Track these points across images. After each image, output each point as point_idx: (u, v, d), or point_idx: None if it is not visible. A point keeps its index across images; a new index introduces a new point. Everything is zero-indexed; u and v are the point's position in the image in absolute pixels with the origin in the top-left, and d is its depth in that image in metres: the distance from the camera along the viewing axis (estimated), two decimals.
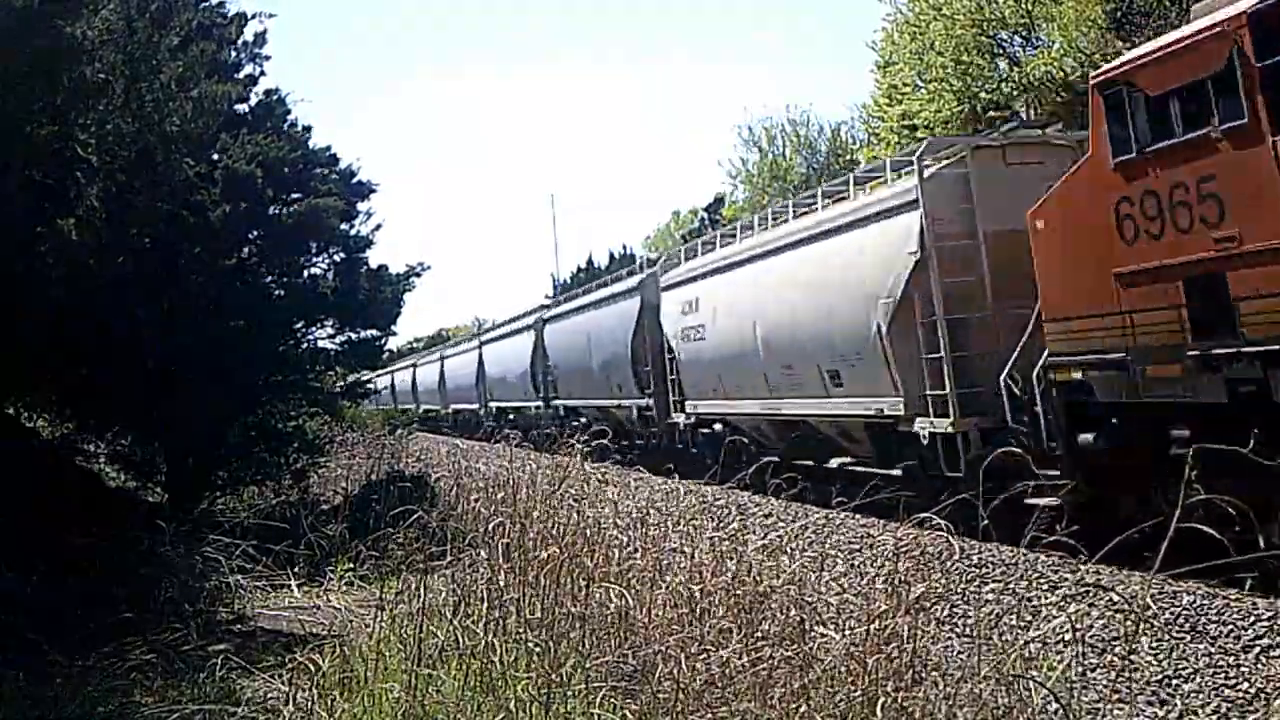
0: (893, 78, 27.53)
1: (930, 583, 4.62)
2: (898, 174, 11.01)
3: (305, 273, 12.81)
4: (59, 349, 8.80)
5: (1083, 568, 6.88)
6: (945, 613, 6.27)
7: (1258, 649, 5.73)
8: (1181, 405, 7.02)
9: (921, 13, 26.22)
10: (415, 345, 56.19)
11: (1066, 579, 7.15)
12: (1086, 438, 7.94)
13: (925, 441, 9.89)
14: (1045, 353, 8.32)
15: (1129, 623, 5.01)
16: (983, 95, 24.53)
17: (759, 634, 4.39)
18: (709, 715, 3.80)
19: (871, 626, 4.17)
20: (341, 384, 14.08)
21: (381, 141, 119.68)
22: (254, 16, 11.95)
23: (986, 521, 4.69)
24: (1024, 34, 25.35)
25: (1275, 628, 5.88)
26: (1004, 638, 4.60)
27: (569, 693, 4.01)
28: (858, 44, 55.28)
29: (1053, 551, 5.19)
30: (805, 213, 13.09)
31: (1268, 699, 5.24)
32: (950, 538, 4.80)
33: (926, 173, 9.87)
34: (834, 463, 12.69)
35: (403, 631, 4.94)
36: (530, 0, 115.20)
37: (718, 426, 15.30)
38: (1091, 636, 5.84)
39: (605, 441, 8.35)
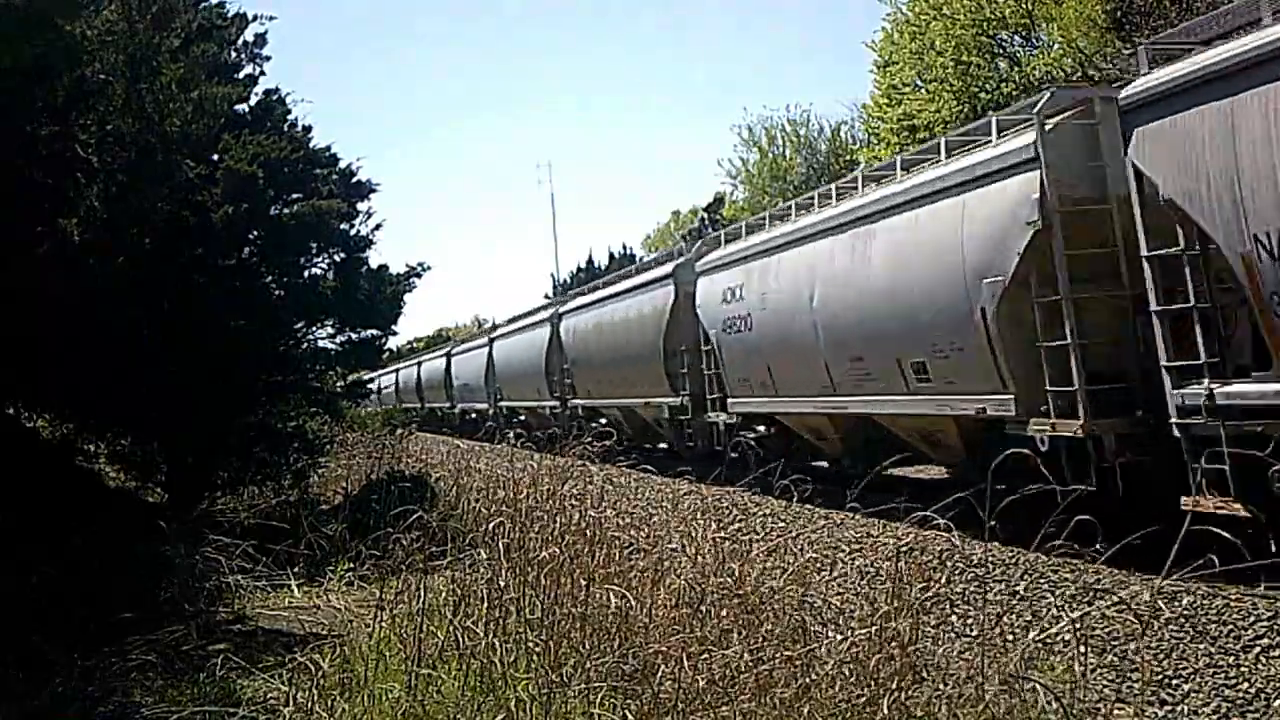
0: (893, 78, 27.56)
1: (932, 583, 4.62)
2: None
3: (305, 273, 12.78)
4: (59, 349, 8.80)
5: (1083, 568, 6.89)
6: (946, 612, 6.27)
7: (1258, 649, 5.73)
8: None
9: (921, 13, 26.25)
10: (415, 345, 56.30)
11: (1067, 579, 7.16)
12: None
13: (1044, 448, 7.99)
14: None
15: (1135, 624, 5.02)
16: (983, 95, 24.56)
17: (760, 634, 4.38)
18: (710, 716, 3.80)
19: (873, 628, 4.17)
20: (341, 384, 14.06)
21: (381, 140, 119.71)
22: (255, 18, 11.96)
23: (994, 523, 4.69)
24: (1024, 34, 25.38)
25: (1275, 628, 5.88)
26: (1005, 638, 4.60)
27: (569, 693, 4.00)
28: (857, 44, 55.26)
29: (1056, 552, 5.19)
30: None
31: (1268, 699, 5.24)
32: (952, 538, 4.81)
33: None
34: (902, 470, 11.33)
35: (403, 631, 4.94)
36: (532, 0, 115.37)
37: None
38: (1091, 636, 5.83)
39: (610, 443, 8.17)
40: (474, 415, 31.41)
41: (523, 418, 24.30)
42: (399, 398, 45.37)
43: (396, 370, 46.36)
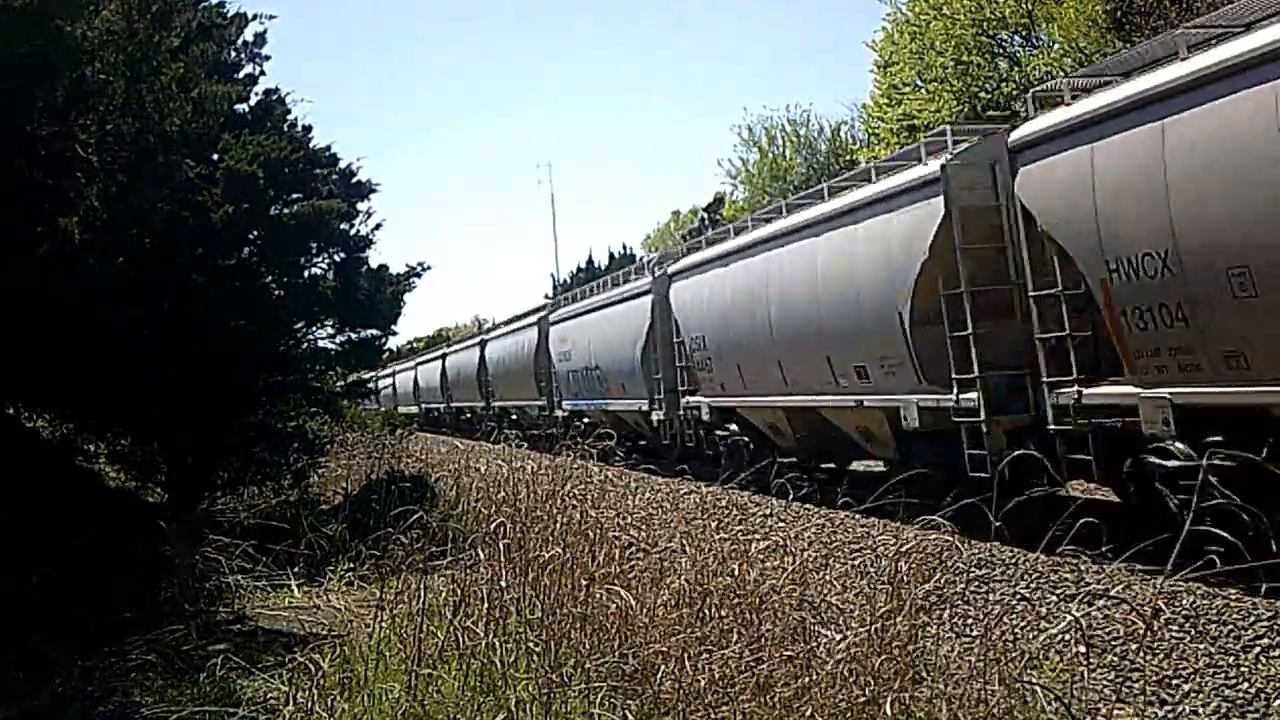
0: (893, 78, 27.58)
1: (932, 583, 4.62)
2: None
3: (305, 273, 12.79)
4: (59, 349, 8.80)
5: (1083, 568, 6.89)
6: (947, 613, 6.27)
7: (1258, 649, 5.73)
8: None
9: (921, 13, 26.26)
10: (415, 345, 56.11)
11: (1067, 579, 7.16)
12: None
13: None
14: None
15: (1138, 624, 5.01)
16: (983, 95, 24.57)
17: (760, 634, 4.38)
18: (710, 716, 3.80)
19: (873, 627, 4.17)
20: (341, 384, 14.07)
21: (381, 140, 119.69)
22: (254, 17, 11.96)
23: (999, 524, 4.69)
24: (1024, 34, 25.39)
25: (1275, 628, 5.88)
26: (1006, 638, 4.60)
27: (569, 693, 4.00)
28: (858, 44, 55.25)
29: (1055, 553, 5.19)
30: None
31: (1268, 699, 5.24)
32: (951, 537, 4.80)
33: None
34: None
35: (403, 631, 4.94)
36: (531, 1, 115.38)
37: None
38: (1091, 636, 5.83)
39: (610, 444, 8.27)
40: (584, 423, 17.86)
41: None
42: (448, 393, 35.33)
43: (443, 356, 36.51)
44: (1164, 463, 7.12)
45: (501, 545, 5.24)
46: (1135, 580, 6.60)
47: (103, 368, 9.29)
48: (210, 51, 10.58)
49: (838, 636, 4.29)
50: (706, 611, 4.63)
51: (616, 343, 18.43)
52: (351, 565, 6.93)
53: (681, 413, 15.82)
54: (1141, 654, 5.49)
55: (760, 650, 4.17)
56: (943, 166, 9.23)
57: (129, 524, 9.19)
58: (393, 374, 45.17)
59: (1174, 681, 5.53)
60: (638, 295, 17.71)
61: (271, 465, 12.08)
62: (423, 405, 41.77)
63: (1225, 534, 3.84)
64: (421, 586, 5.04)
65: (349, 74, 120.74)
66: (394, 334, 15.07)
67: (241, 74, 12.02)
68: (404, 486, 10.72)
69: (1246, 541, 4.01)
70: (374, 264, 13.43)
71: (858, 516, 9.60)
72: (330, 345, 13.26)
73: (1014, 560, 7.86)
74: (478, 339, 32.26)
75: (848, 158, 35.31)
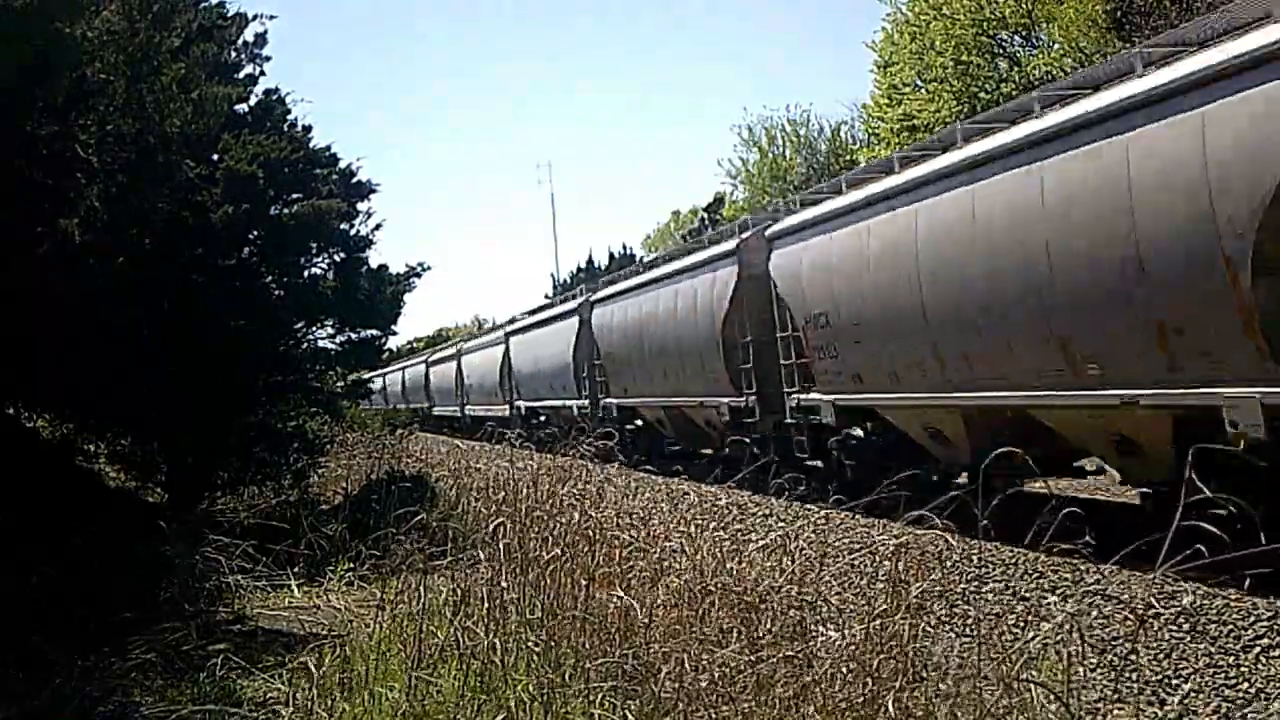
0: (893, 78, 27.59)
1: (930, 582, 4.62)
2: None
3: (305, 273, 12.76)
4: (59, 349, 8.80)
5: (1082, 567, 6.90)
6: (945, 612, 6.28)
7: (1258, 649, 5.73)
8: None
9: (921, 13, 26.27)
10: (415, 345, 56.06)
11: (1066, 579, 7.16)
12: None
13: None
14: None
15: (1131, 622, 5.01)
16: (983, 95, 24.57)
17: (760, 634, 4.39)
18: (710, 715, 3.80)
19: (872, 626, 4.17)
20: (342, 384, 14.05)
21: (381, 140, 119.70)
22: (254, 18, 11.95)
23: (985, 521, 4.69)
24: (1024, 34, 25.39)
25: (1275, 628, 5.88)
26: (1004, 637, 4.60)
27: (569, 693, 4.01)
28: (858, 44, 55.22)
29: (1054, 552, 5.19)
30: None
31: (1268, 699, 5.24)
32: (949, 537, 4.80)
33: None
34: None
35: (403, 631, 4.94)
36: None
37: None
38: (1092, 636, 5.83)
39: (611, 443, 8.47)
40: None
41: None
42: (591, 381, 20.12)
43: (588, 304, 20.50)
44: (845, 438, 11.63)
45: (502, 545, 5.24)
46: (1134, 579, 6.61)
47: (103, 368, 9.28)
48: (211, 52, 10.57)
49: (836, 635, 4.29)
50: (706, 611, 4.63)
51: (553, 352, 23.17)
52: (351, 565, 6.92)
53: (600, 410, 20.43)
54: (1140, 654, 5.48)
55: (759, 649, 4.17)
56: (737, 245, 14.20)
57: (129, 524, 9.18)
58: (457, 354, 29.26)
59: (1173, 681, 5.53)
60: (566, 316, 22.70)
61: (271, 465, 12.06)
62: (519, 403, 24.48)
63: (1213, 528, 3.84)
64: (421, 586, 5.04)
65: (349, 74, 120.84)
66: (394, 334, 15.03)
67: (242, 74, 12.00)
68: (404, 487, 10.71)
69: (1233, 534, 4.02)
70: (374, 264, 13.39)
71: (857, 516, 9.61)
72: (330, 345, 13.24)
73: (1012, 560, 7.87)
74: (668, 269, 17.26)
75: (848, 158, 35.30)
